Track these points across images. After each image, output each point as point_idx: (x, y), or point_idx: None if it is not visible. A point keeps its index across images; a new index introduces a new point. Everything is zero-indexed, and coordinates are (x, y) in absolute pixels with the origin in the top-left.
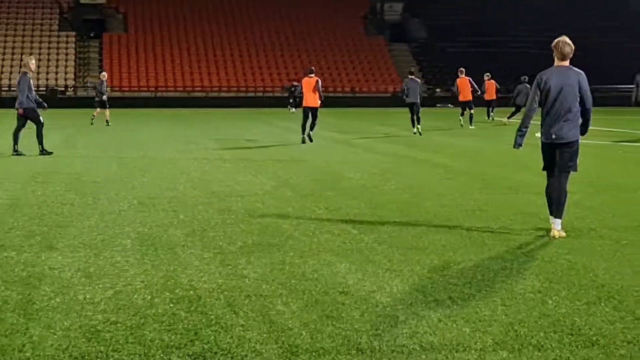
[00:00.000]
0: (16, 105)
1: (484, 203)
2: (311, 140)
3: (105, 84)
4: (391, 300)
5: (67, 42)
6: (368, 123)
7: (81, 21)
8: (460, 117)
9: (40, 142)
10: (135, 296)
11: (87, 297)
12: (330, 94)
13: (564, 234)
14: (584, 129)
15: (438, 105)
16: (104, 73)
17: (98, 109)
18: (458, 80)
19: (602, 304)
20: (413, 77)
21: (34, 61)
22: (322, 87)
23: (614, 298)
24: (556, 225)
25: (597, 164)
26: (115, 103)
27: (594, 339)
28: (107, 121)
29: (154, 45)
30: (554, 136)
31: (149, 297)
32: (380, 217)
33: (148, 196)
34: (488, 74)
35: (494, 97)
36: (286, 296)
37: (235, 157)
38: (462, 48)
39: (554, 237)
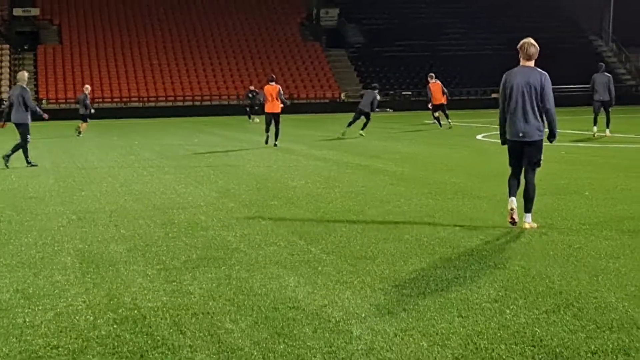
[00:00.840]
0: (16, 119)
1: (430, 209)
2: (276, 145)
3: (88, 97)
4: (344, 315)
5: (1, 55)
6: (308, 130)
7: (15, 34)
8: (435, 120)
9: (14, 152)
10: (77, 317)
11: (27, 320)
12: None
13: (535, 225)
14: (550, 133)
15: (377, 110)
16: (87, 86)
17: (82, 122)
18: (430, 84)
19: (562, 313)
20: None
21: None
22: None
23: (573, 305)
24: (527, 218)
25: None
26: (52, 115)
27: (557, 350)
28: (79, 132)
29: (90, 56)
30: (520, 134)
31: (92, 318)
32: (326, 226)
33: (88, 211)
34: (432, 74)
35: (442, 100)
36: (234, 313)
37: (176, 168)
38: (398, 52)
39: (524, 228)
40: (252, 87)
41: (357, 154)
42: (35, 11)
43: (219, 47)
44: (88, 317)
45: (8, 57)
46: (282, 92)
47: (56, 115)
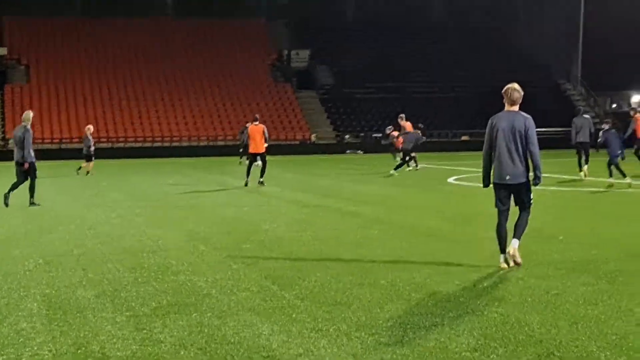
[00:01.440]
0: (19, 158)
1: (405, 253)
2: (262, 184)
3: (90, 136)
4: None
5: None
6: (278, 171)
7: None
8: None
9: (32, 195)
10: None
11: None
12: (238, 142)
13: (519, 260)
14: (534, 176)
15: (348, 151)
16: (89, 126)
17: (85, 162)
18: (402, 123)
19: None
20: None
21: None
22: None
23: (554, 355)
24: (514, 243)
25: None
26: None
27: None
28: (88, 172)
29: (58, 96)
30: (507, 177)
31: None
32: (300, 270)
33: (55, 254)
34: (402, 115)
35: None
36: None
37: (145, 210)
38: (368, 94)
39: (508, 252)
40: (248, 125)
41: (329, 196)
42: (2, 50)
43: (189, 87)
44: None
45: None
46: (266, 131)
47: None
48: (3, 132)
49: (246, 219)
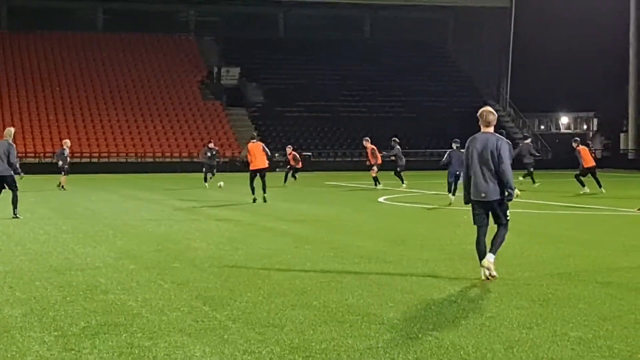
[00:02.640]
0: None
1: (337, 273)
2: (265, 201)
3: (66, 151)
4: None
5: None
6: (208, 189)
7: None
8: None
9: (16, 206)
10: None
11: None
12: (167, 159)
13: (493, 271)
14: (507, 193)
15: (278, 170)
16: (66, 140)
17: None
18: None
19: None
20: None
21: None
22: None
23: None
24: (489, 257)
25: (446, 231)
26: None
27: None
28: (62, 186)
29: None
30: (483, 195)
31: None
32: (231, 290)
33: None
34: (367, 138)
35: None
36: None
37: (74, 227)
38: (299, 112)
39: (482, 265)
40: (211, 145)
41: (260, 215)
42: None
43: (117, 103)
44: None
45: None
46: (266, 148)
47: None
48: None
49: (176, 237)
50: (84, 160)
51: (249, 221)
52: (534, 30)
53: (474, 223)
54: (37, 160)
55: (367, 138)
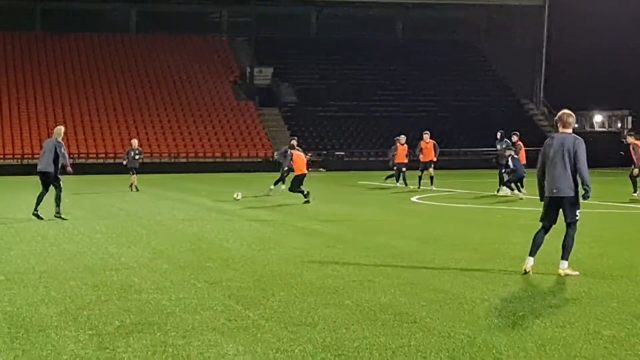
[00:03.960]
0: (45, 167)
1: (369, 273)
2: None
3: (133, 150)
4: None
5: None
6: (241, 189)
7: None
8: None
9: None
10: None
11: None
12: (201, 160)
13: (571, 272)
14: (584, 190)
15: (310, 169)
16: (133, 140)
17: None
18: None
19: None
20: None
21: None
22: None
23: None
24: (562, 265)
25: (478, 230)
26: None
27: None
28: (136, 187)
29: (19, 112)
30: (554, 190)
31: None
32: (264, 290)
33: (17, 271)
34: (427, 132)
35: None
36: None
37: (108, 227)
38: (332, 112)
39: (559, 274)
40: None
41: (292, 215)
42: None
43: (150, 104)
44: None
45: None
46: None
47: None
48: None
49: (208, 237)
50: (117, 160)
51: (281, 221)
52: (568, 27)
53: (541, 220)
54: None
55: (427, 132)
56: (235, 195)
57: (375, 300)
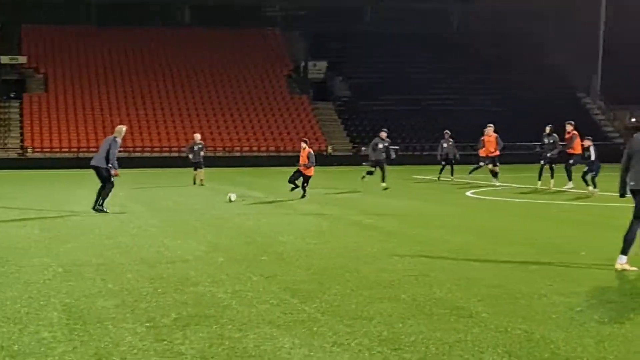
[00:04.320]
0: (98, 163)
1: (425, 267)
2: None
3: (197, 144)
4: None
5: None
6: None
7: (1, 82)
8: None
9: (103, 199)
10: None
11: None
12: (255, 154)
13: (629, 268)
14: None
15: (364, 163)
16: (197, 134)
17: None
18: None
19: None
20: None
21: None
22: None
23: None
24: (620, 259)
25: (534, 224)
26: (36, 164)
27: None
28: (201, 181)
29: (75, 106)
30: (632, 183)
31: None
32: (320, 283)
33: (74, 263)
34: (491, 125)
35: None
36: None
37: (163, 221)
38: (386, 106)
39: (616, 269)
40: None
41: (347, 209)
42: (22, 59)
43: (205, 99)
44: None
45: None
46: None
47: (42, 164)
48: (22, 141)
49: (264, 231)
50: (172, 154)
51: (336, 215)
52: (626, 18)
53: (635, 215)
54: (126, 154)
55: (491, 124)
56: (229, 197)
57: (430, 295)
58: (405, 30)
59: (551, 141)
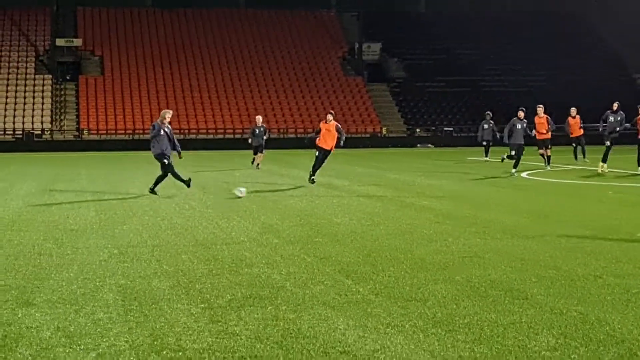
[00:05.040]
0: (168, 151)
1: (479, 249)
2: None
3: (258, 127)
4: None
5: (43, 85)
6: (349, 165)
7: (57, 64)
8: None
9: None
10: (120, 359)
11: None
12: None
13: None
14: None
15: (419, 145)
16: (258, 117)
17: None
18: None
19: None
20: None
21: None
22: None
23: (637, 355)
24: None
25: (589, 206)
26: (93, 146)
27: None
28: (257, 165)
29: (131, 88)
30: None
31: (135, 359)
32: (374, 265)
33: (129, 245)
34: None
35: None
36: (283, 357)
37: (217, 202)
38: (440, 87)
39: None
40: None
41: (401, 190)
42: (77, 41)
43: (260, 80)
44: (131, 358)
45: (50, 87)
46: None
47: (98, 146)
48: (78, 123)
49: (318, 212)
50: (227, 136)
51: (389, 196)
52: None
53: None
54: (181, 136)
55: (541, 105)
56: (238, 193)
57: (485, 277)
58: (459, 11)
59: (618, 119)
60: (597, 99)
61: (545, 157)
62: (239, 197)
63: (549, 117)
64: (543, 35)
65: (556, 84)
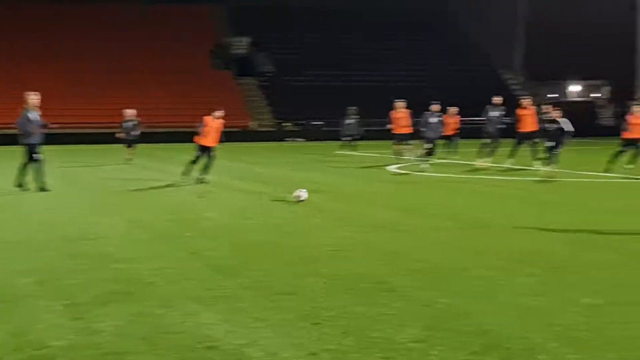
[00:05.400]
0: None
1: (349, 243)
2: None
3: (127, 121)
4: (264, 355)
5: None
6: (219, 159)
7: None
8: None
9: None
10: None
11: None
12: (180, 129)
13: None
14: None
15: (287, 139)
16: (128, 110)
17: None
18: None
19: (490, 354)
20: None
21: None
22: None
23: (501, 346)
24: None
25: (459, 200)
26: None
27: None
28: (128, 159)
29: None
30: None
31: None
32: (243, 259)
33: None
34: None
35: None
36: (149, 353)
37: (84, 197)
38: (309, 82)
39: None
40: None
41: (271, 184)
42: None
43: (131, 74)
44: None
45: None
46: None
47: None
48: None
49: (188, 207)
50: (98, 130)
51: (260, 190)
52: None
53: None
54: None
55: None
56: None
57: (354, 270)
58: (330, 4)
59: (497, 114)
60: (466, 94)
61: (400, 153)
62: (302, 200)
63: (409, 113)
64: (411, 31)
65: (423, 78)
